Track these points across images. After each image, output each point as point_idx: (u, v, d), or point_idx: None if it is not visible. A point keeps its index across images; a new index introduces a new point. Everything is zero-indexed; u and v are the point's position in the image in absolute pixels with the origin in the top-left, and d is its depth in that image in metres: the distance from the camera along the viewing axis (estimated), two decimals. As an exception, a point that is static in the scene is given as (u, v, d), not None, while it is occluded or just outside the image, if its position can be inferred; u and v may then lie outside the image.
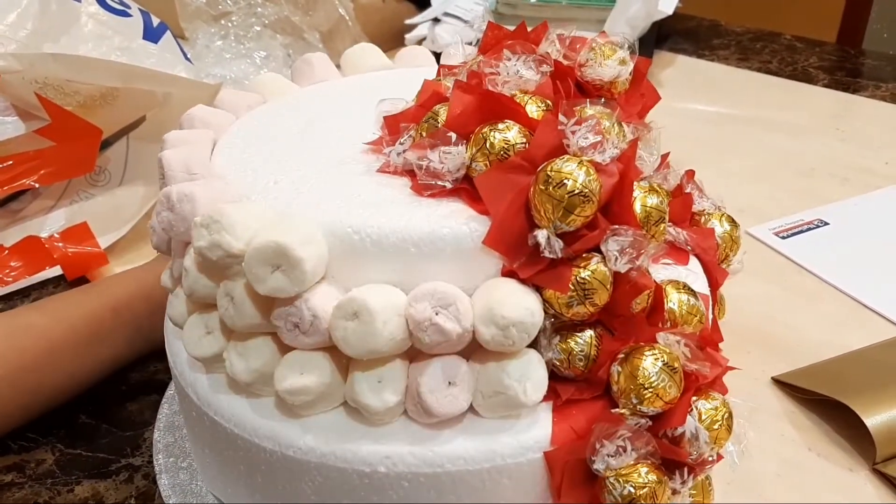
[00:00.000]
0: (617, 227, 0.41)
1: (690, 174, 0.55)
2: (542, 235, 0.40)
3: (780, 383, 0.61)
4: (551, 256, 0.40)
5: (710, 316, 0.49)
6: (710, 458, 0.42)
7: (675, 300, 0.44)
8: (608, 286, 0.40)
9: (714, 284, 0.52)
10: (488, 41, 0.51)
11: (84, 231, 0.78)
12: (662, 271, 0.47)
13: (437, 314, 0.39)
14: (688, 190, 0.54)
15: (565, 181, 0.39)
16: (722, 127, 1.00)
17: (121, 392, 0.63)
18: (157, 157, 0.48)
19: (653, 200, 0.44)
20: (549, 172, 0.39)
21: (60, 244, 0.77)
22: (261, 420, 0.43)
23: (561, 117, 0.41)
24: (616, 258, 0.40)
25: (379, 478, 0.41)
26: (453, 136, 0.42)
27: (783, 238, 0.78)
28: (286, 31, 1.09)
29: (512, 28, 0.52)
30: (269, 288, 0.40)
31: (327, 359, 0.41)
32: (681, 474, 0.41)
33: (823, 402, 0.58)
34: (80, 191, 0.84)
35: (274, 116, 0.55)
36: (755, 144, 0.96)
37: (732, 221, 0.54)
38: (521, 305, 0.39)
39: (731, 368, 0.46)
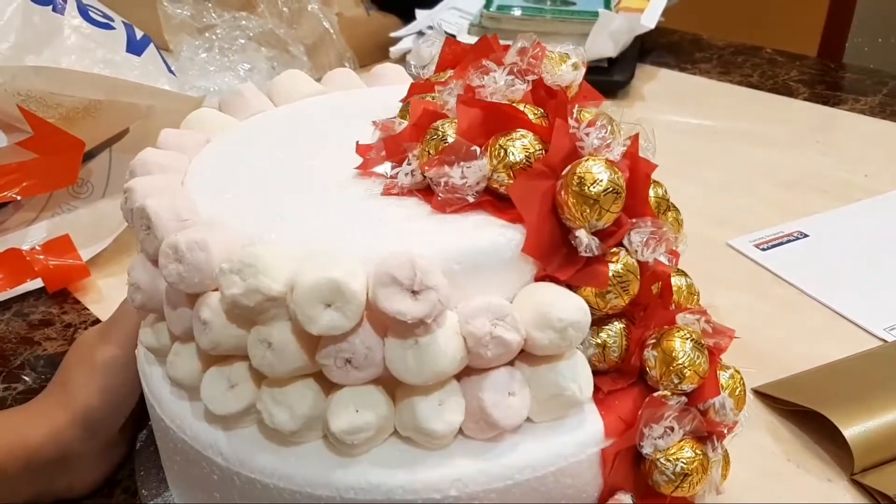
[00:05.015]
0: (636, 220, 0.43)
1: None
2: (582, 235, 0.41)
3: (760, 394, 0.61)
4: (588, 255, 0.41)
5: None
6: (735, 422, 0.45)
7: (678, 283, 0.46)
8: (638, 276, 0.43)
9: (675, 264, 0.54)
10: (446, 56, 0.52)
11: (66, 243, 0.78)
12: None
13: (496, 327, 0.38)
14: None
15: (599, 181, 0.40)
16: (703, 140, 1.01)
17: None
18: (137, 207, 0.45)
19: (658, 191, 0.47)
20: (579, 174, 0.40)
21: (41, 256, 0.77)
22: (312, 469, 0.41)
23: (571, 122, 0.43)
24: (640, 249, 0.42)
25: (450, 503, 0.40)
26: (477, 149, 0.42)
27: (763, 250, 0.79)
28: (270, 43, 1.09)
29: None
30: (323, 326, 0.37)
31: (380, 391, 0.40)
32: (712, 444, 0.44)
33: (803, 413, 0.58)
34: (63, 203, 0.84)
35: (233, 153, 0.52)
36: (736, 157, 0.97)
37: (674, 207, 0.55)
38: (575, 306, 0.40)
39: (736, 337, 0.47)
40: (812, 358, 0.64)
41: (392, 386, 0.40)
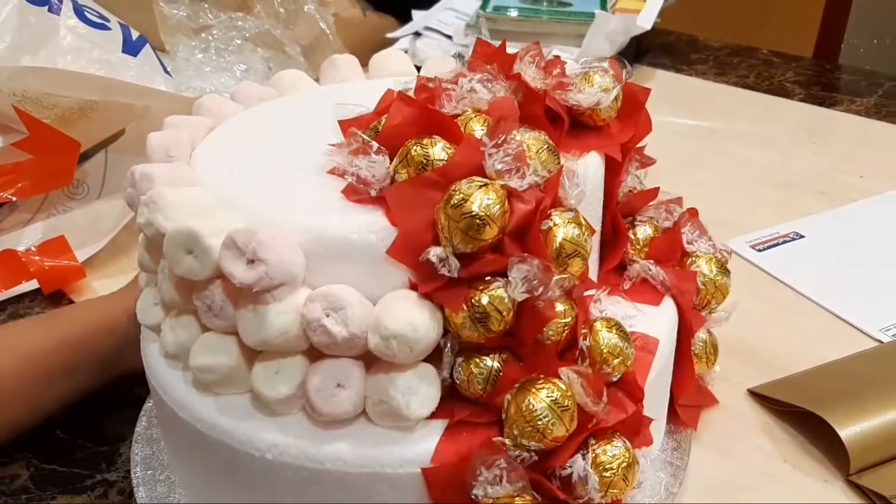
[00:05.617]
0: (524, 255, 0.40)
1: (692, 213, 0.54)
2: (434, 253, 0.40)
3: (756, 395, 0.61)
4: (448, 275, 0.40)
5: (658, 359, 0.47)
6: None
7: (601, 338, 0.44)
8: (505, 313, 0.40)
9: (687, 329, 0.51)
10: (477, 57, 0.51)
11: (61, 244, 0.78)
12: (610, 307, 0.47)
13: (326, 316, 0.40)
14: (685, 229, 0.53)
15: (465, 203, 0.39)
16: (699, 141, 1.01)
17: (96, 407, 0.63)
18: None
19: (572, 233, 0.43)
20: (453, 192, 0.40)
21: (37, 258, 0.77)
22: (188, 394, 0.46)
23: (484, 139, 0.42)
24: (516, 286, 0.40)
25: (267, 464, 0.43)
26: (375, 145, 0.43)
27: (759, 251, 0.79)
28: (267, 44, 1.09)
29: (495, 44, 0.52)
30: (183, 269, 0.42)
31: (236, 344, 0.43)
32: None
33: (799, 414, 0.58)
34: (58, 204, 0.84)
35: (274, 112, 0.56)
36: (732, 158, 0.97)
37: (723, 268, 0.52)
38: (405, 319, 0.40)
39: (645, 419, 0.45)
40: (808, 359, 0.64)
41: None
